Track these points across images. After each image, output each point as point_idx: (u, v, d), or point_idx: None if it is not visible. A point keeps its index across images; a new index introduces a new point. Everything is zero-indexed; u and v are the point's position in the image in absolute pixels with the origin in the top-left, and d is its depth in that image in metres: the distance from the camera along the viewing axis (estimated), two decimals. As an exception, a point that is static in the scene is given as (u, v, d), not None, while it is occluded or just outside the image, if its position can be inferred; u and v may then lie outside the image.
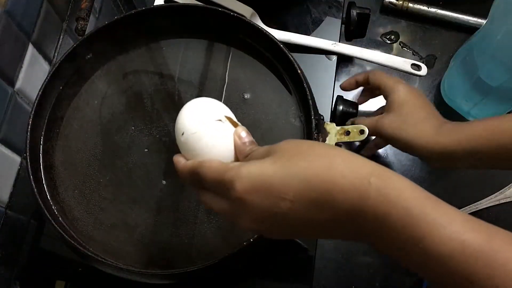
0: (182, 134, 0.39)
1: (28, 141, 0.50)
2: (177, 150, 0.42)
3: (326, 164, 0.31)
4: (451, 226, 0.28)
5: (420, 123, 0.50)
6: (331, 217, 0.31)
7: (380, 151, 0.64)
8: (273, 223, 0.33)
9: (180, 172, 0.39)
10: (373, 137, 0.61)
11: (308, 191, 0.31)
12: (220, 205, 0.36)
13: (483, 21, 0.68)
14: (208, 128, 0.39)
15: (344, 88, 0.60)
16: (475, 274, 0.27)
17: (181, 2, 0.64)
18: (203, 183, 0.36)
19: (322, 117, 0.52)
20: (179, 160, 0.40)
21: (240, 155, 0.38)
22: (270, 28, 0.63)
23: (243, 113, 0.55)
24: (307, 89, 0.51)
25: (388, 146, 0.64)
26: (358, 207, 0.30)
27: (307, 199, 0.31)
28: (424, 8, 0.70)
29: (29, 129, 0.51)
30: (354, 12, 0.62)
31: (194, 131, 0.39)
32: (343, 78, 0.67)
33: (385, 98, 0.54)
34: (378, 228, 0.30)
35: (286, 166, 0.32)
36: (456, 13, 0.70)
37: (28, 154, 0.50)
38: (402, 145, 0.51)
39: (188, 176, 0.38)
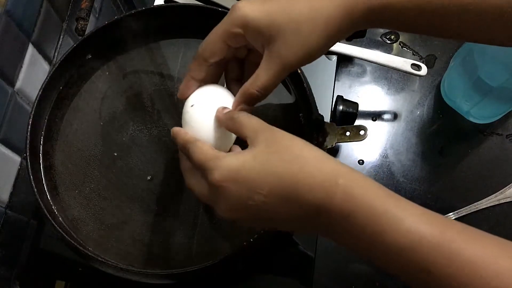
0: (192, 106, 0.41)
1: (28, 141, 0.50)
2: (176, 149, 0.42)
3: (300, 165, 0.33)
4: (409, 220, 0.30)
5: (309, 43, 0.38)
6: (300, 213, 0.33)
7: (380, 151, 0.64)
8: (246, 213, 0.35)
9: (177, 140, 0.41)
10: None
11: (281, 188, 0.33)
12: (199, 187, 0.38)
13: (483, 21, 0.68)
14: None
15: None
16: (432, 263, 0.29)
17: (181, 2, 0.64)
18: (189, 158, 0.39)
19: (322, 117, 0.52)
20: (180, 129, 0.41)
21: (233, 105, 0.40)
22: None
23: (243, 113, 0.55)
24: (307, 89, 0.51)
25: (388, 146, 0.64)
26: (325, 206, 0.32)
27: (279, 195, 0.33)
28: (424, 8, 0.70)
29: (29, 129, 0.50)
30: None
31: (203, 108, 0.41)
32: (343, 78, 0.68)
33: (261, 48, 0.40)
34: (344, 225, 0.32)
35: (265, 163, 0.34)
36: (456, 13, 0.70)
37: (28, 154, 0.50)
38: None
39: (181, 147, 0.40)
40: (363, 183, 0.32)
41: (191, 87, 0.42)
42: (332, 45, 0.39)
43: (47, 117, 0.54)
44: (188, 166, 0.40)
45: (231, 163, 0.35)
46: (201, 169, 0.37)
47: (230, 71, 0.44)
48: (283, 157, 0.34)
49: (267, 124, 0.37)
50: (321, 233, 0.35)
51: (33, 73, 0.59)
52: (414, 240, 0.29)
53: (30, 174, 0.49)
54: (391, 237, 0.30)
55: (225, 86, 0.46)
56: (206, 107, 0.41)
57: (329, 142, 0.51)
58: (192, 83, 0.42)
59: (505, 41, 0.38)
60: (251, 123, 0.37)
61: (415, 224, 0.30)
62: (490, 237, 0.30)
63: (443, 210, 0.60)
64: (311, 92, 0.52)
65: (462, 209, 0.60)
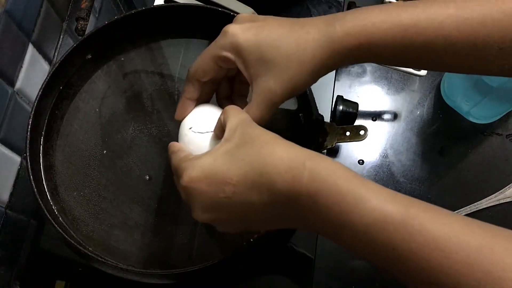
0: (190, 128, 0.42)
1: (28, 141, 0.50)
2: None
3: (269, 150, 0.34)
4: (374, 199, 0.31)
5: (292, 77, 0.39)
6: (270, 199, 0.33)
7: (380, 151, 0.64)
8: (220, 210, 0.36)
9: (169, 155, 0.42)
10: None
11: (250, 174, 0.34)
12: (181, 194, 0.38)
13: (483, 21, 0.68)
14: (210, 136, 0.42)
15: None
16: (396, 240, 0.30)
17: (181, 2, 0.64)
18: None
19: (322, 117, 0.52)
20: (171, 144, 0.44)
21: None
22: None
23: (243, 113, 0.55)
24: (307, 89, 0.51)
25: (388, 146, 0.64)
26: (293, 188, 0.32)
27: (248, 182, 0.34)
28: (424, 8, 0.70)
29: (29, 129, 0.50)
30: (354, 12, 0.62)
31: (201, 129, 0.42)
32: (343, 78, 0.68)
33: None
34: (312, 207, 0.32)
35: (235, 154, 0.35)
36: (456, 13, 0.70)
37: (28, 154, 0.50)
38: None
39: (169, 159, 0.42)
40: (329, 165, 0.33)
41: (187, 108, 0.44)
42: (317, 80, 0.40)
43: (47, 117, 0.54)
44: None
45: (202, 161, 0.36)
46: (176, 174, 0.38)
47: (221, 90, 0.46)
48: (252, 146, 0.35)
49: (248, 120, 0.38)
50: (293, 223, 0.35)
51: (33, 73, 0.59)
52: (379, 218, 0.30)
53: (30, 174, 0.49)
54: (357, 215, 0.31)
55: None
56: (204, 128, 0.42)
57: (329, 142, 0.51)
58: (188, 104, 0.44)
59: (497, 72, 0.39)
60: (235, 117, 0.38)
61: (380, 203, 0.31)
62: (455, 215, 0.31)
63: (443, 210, 0.60)
64: (311, 92, 0.52)
65: (462, 209, 0.60)
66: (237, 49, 0.39)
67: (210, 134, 0.42)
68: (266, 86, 0.39)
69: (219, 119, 0.40)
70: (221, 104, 0.46)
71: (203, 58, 0.42)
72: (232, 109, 0.39)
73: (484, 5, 0.35)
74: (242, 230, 0.38)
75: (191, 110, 0.44)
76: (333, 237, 0.33)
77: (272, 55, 0.38)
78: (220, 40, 0.41)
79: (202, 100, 0.45)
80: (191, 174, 0.35)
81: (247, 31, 0.39)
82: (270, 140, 0.35)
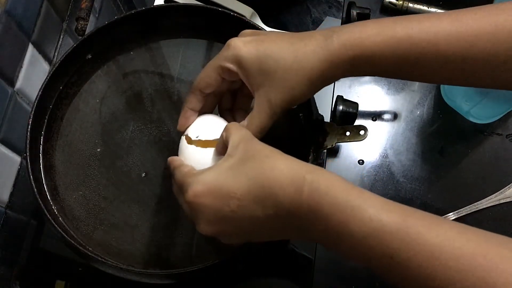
0: (197, 137, 0.43)
1: (28, 141, 0.50)
2: (176, 149, 0.43)
3: (270, 165, 0.35)
4: (371, 209, 0.32)
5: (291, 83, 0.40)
6: (274, 212, 0.34)
7: (380, 151, 0.64)
8: (224, 223, 0.36)
9: (170, 169, 0.43)
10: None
11: (254, 188, 0.34)
12: (184, 208, 0.39)
13: (483, 21, 0.68)
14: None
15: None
16: (393, 249, 0.30)
17: (181, 2, 0.64)
18: (175, 183, 0.41)
19: (322, 117, 0.52)
20: (173, 158, 0.44)
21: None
22: (270, 28, 0.63)
23: (243, 113, 0.55)
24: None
25: (388, 146, 0.64)
26: (295, 201, 0.33)
27: (252, 196, 0.34)
28: (424, 8, 0.70)
29: (29, 129, 0.50)
30: (354, 12, 0.62)
31: (209, 138, 0.42)
32: (343, 78, 0.68)
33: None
34: (313, 218, 0.33)
35: (238, 169, 0.36)
36: (456, 13, 0.70)
37: (28, 154, 0.50)
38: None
39: (171, 174, 0.42)
40: (328, 177, 0.34)
41: (189, 118, 0.45)
42: (316, 92, 0.42)
43: (47, 117, 0.54)
44: (176, 190, 0.42)
45: (206, 176, 0.36)
46: (180, 189, 0.39)
47: (223, 102, 0.47)
48: (254, 161, 0.36)
49: (249, 136, 0.39)
50: (295, 234, 0.36)
51: (33, 73, 0.59)
52: (376, 227, 0.31)
53: (30, 174, 0.49)
54: (355, 226, 0.31)
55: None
56: (209, 135, 0.42)
57: (329, 142, 0.51)
58: (190, 114, 0.45)
59: (492, 86, 0.40)
60: (237, 134, 0.39)
61: (377, 212, 0.31)
62: (450, 223, 0.31)
63: (443, 210, 0.60)
64: (311, 92, 0.52)
65: (462, 209, 0.60)
66: (239, 61, 0.40)
67: (212, 150, 0.42)
68: (266, 97, 0.40)
69: (221, 135, 0.41)
70: (222, 116, 0.47)
71: (206, 70, 0.43)
72: (234, 126, 0.40)
73: (477, 19, 0.36)
74: (246, 241, 0.39)
75: (193, 121, 0.45)
76: (333, 247, 0.34)
77: (271, 66, 0.39)
78: (223, 52, 0.42)
79: (204, 111, 0.46)
80: (196, 189, 0.36)
81: (249, 43, 0.40)
82: (271, 155, 0.36)
